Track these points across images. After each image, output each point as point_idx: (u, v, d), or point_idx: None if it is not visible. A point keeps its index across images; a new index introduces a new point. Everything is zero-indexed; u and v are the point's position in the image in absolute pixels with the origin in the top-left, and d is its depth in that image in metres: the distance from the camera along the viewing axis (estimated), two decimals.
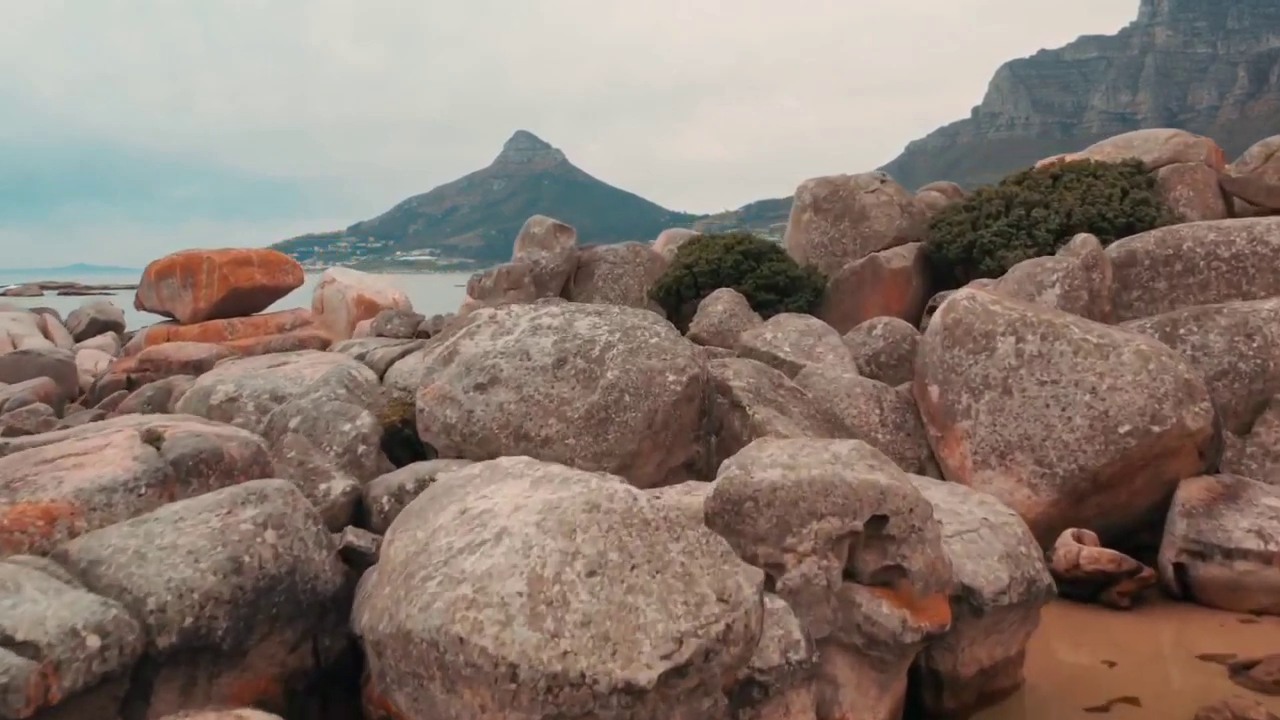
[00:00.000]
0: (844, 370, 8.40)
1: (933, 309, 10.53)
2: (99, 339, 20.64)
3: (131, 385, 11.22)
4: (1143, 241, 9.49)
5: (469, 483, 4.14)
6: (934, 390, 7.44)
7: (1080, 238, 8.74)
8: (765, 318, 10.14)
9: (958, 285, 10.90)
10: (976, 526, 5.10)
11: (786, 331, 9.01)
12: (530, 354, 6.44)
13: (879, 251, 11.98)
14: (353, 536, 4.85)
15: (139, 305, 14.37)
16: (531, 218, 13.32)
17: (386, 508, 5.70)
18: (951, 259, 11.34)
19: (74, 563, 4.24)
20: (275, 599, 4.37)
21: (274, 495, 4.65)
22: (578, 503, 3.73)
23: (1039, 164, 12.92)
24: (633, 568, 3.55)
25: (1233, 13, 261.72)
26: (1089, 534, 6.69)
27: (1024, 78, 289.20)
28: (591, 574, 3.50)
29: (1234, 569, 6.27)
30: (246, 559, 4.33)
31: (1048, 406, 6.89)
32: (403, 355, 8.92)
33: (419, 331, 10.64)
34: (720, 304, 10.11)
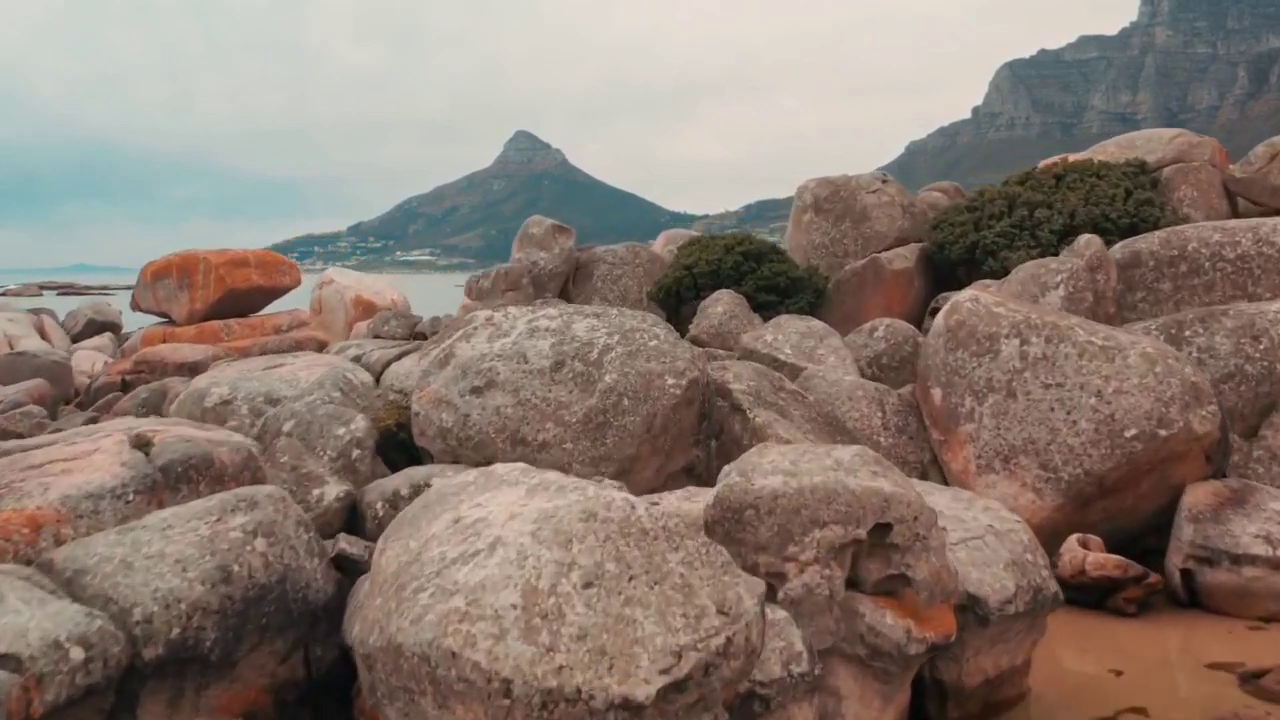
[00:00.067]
0: (845, 373, 8.31)
1: (935, 310, 10.43)
2: (96, 340, 20.55)
3: (126, 387, 11.12)
4: (1147, 242, 9.40)
5: (463, 490, 4.04)
6: (937, 393, 7.34)
7: (1084, 238, 8.65)
8: (766, 319, 10.04)
9: (960, 286, 10.80)
10: (981, 533, 5.01)
11: (787, 333, 8.91)
12: (527, 357, 6.34)
13: (880, 252, 11.87)
14: (345, 544, 4.75)
15: (135, 306, 14.27)
16: (530, 218, 13.22)
17: (381, 513, 5.61)
18: (954, 260, 11.24)
19: (59, 572, 4.15)
20: (265, 609, 4.28)
21: (264, 502, 4.56)
22: (574, 512, 3.63)
23: (1042, 164, 12.82)
24: (630, 579, 3.45)
25: (1233, 13, 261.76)
26: (1094, 539, 6.59)
27: (1024, 78, 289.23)
28: (588, 585, 3.40)
29: (1242, 575, 6.17)
30: (236, 568, 4.24)
31: (1052, 410, 6.79)
32: (399, 357, 8.83)
33: (416, 333, 10.54)
34: (720, 305, 10.01)
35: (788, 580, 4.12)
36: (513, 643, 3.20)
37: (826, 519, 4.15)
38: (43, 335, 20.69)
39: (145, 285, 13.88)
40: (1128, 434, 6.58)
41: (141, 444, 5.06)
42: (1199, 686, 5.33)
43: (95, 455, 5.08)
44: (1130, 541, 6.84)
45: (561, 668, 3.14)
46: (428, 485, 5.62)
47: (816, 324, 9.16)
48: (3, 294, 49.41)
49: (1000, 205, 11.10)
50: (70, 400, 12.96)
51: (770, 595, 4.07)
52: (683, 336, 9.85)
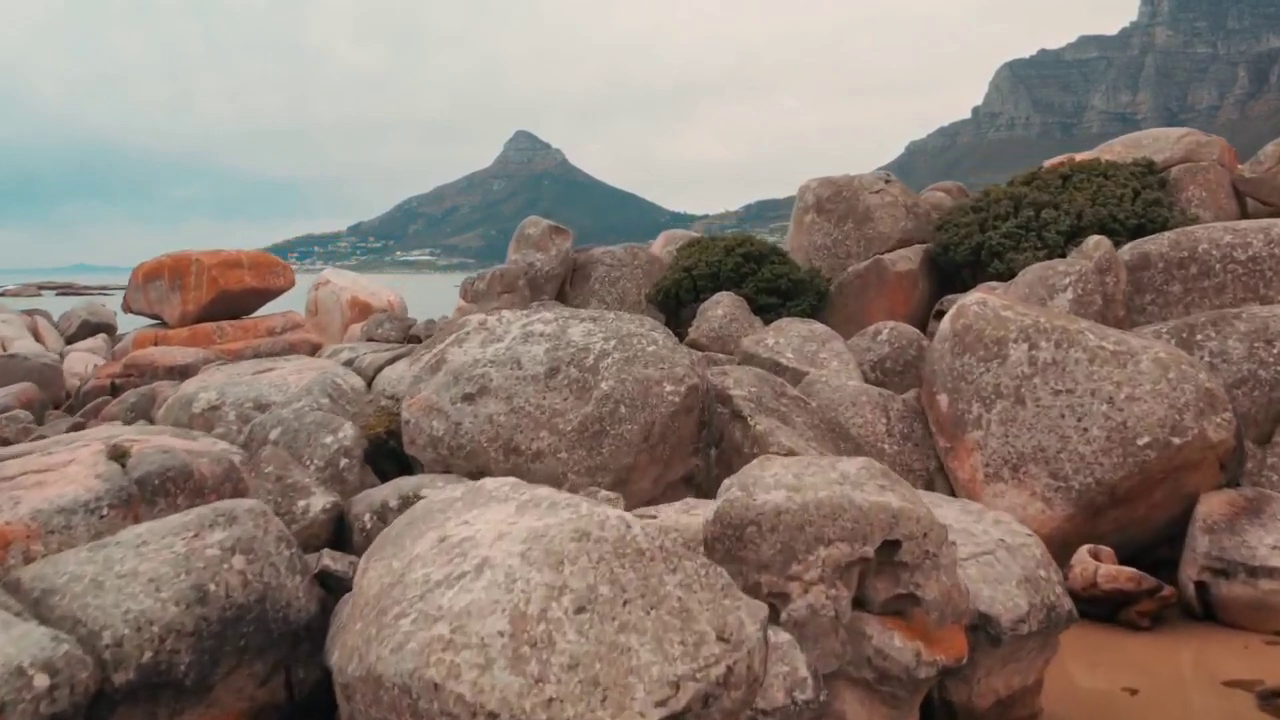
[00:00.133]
0: (849, 377, 8.11)
1: (939, 313, 10.24)
2: (90, 341, 20.34)
3: (116, 391, 10.92)
4: (1156, 244, 9.21)
5: (449, 507, 3.84)
6: (943, 399, 7.15)
7: (1093, 240, 8.45)
8: (767, 322, 9.85)
9: (965, 288, 10.62)
10: (993, 548, 4.81)
11: (789, 337, 8.72)
12: (521, 362, 6.15)
13: (884, 254, 11.67)
14: (329, 560, 4.55)
15: (126, 308, 14.08)
16: (526, 219, 13.01)
17: (368, 526, 5.41)
18: (959, 261, 11.04)
19: (26, 592, 3.95)
20: (243, 629, 4.08)
21: (244, 517, 4.36)
22: (566, 530, 3.44)
23: (1047, 163, 12.61)
24: (625, 603, 3.26)
25: (1233, 13, 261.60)
26: (1106, 550, 6.40)
27: (1024, 78, 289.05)
28: (580, 610, 3.20)
29: (1258, 588, 5.99)
30: (212, 587, 4.04)
31: (1063, 417, 6.60)
32: (392, 361, 8.63)
33: (410, 336, 10.33)
34: (720, 308, 9.81)
35: (791, 601, 3.92)
36: (499, 673, 3.01)
37: (832, 536, 3.95)
38: (36, 337, 20.50)
39: (137, 286, 13.68)
40: (1140, 442, 6.38)
41: (118, 455, 4.87)
42: (1216, 705, 5.15)
43: (70, 466, 4.89)
44: (1142, 552, 6.66)
45: (551, 700, 2.95)
46: (417, 497, 5.43)
47: (819, 327, 8.96)
48: (1, 294, 49.22)
49: (1006, 206, 10.90)
50: (61, 404, 12.76)
51: (773, 617, 3.87)
52: (682, 340, 9.67)
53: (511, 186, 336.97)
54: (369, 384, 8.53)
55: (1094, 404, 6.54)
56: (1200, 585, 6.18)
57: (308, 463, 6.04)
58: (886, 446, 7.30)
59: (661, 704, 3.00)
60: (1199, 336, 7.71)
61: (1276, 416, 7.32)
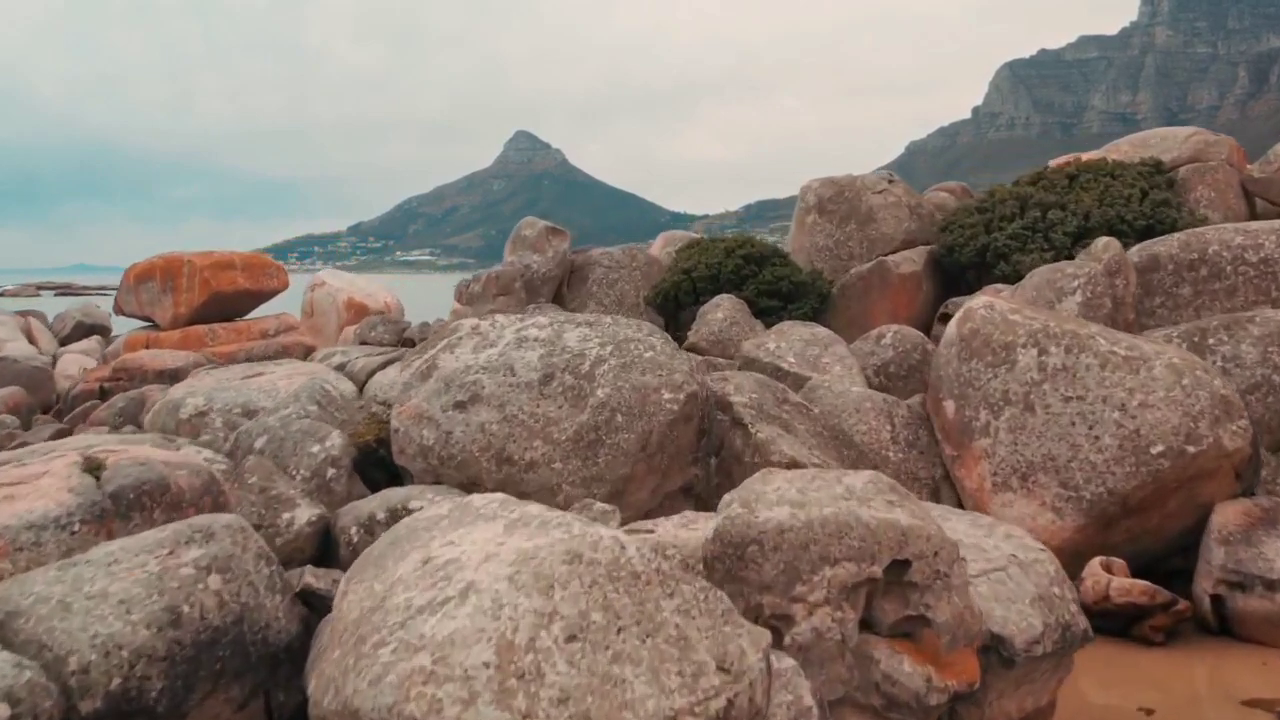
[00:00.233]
0: (852, 383, 7.91)
1: (944, 316, 10.04)
2: (83, 343, 20.10)
3: (105, 395, 10.73)
4: (1166, 245, 9.02)
5: (435, 525, 3.65)
6: (949, 406, 6.94)
7: (1102, 241, 8.25)
8: (768, 325, 9.64)
9: (970, 291, 10.42)
10: (1004, 564, 4.61)
11: (791, 341, 8.51)
12: (515, 369, 5.94)
13: (887, 255, 11.45)
14: (311, 578, 4.36)
15: (118, 310, 13.89)
16: (523, 219, 12.80)
17: (355, 539, 5.22)
18: (964, 263, 10.83)
19: None
20: (219, 652, 3.88)
21: (221, 533, 4.16)
22: (557, 552, 3.24)
23: (1053, 163, 12.40)
24: (619, 631, 3.06)
25: (1233, 12, 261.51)
26: (1118, 562, 6.20)
27: (1024, 78, 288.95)
28: (571, 639, 3.01)
29: (1276, 601, 5.80)
30: (186, 609, 3.84)
31: (1073, 424, 6.40)
32: (384, 365, 8.43)
33: (404, 339, 10.13)
34: (720, 311, 9.60)
35: (795, 624, 3.72)
36: (484, 708, 2.81)
37: (838, 555, 3.75)
38: (30, 339, 20.27)
39: (128, 288, 13.48)
40: (1154, 450, 6.19)
41: (93, 467, 4.67)
42: None
43: (44, 479, 4.69)
44: (1154, 563, 6.47)
45: None
46: (406, 509, 5.25)
47: (821, 331, 8.76)
48: (0, 294, 48.99)
49: (1012, 206, 10.69)
50: (51, 408, 12.56)
51: (776, 640, 3.68)
52: (681, 343, 9.47)
53: (511, 186, 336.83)
54: (361, 389, 8.33)
55: (1106, 411, 6.34)
56: (1216, 599, 5.99)
57: (294, 473, 5.84)
58: (891, 454, 7.10)
59: None
60: (1211, 341, 7.51)
61: None
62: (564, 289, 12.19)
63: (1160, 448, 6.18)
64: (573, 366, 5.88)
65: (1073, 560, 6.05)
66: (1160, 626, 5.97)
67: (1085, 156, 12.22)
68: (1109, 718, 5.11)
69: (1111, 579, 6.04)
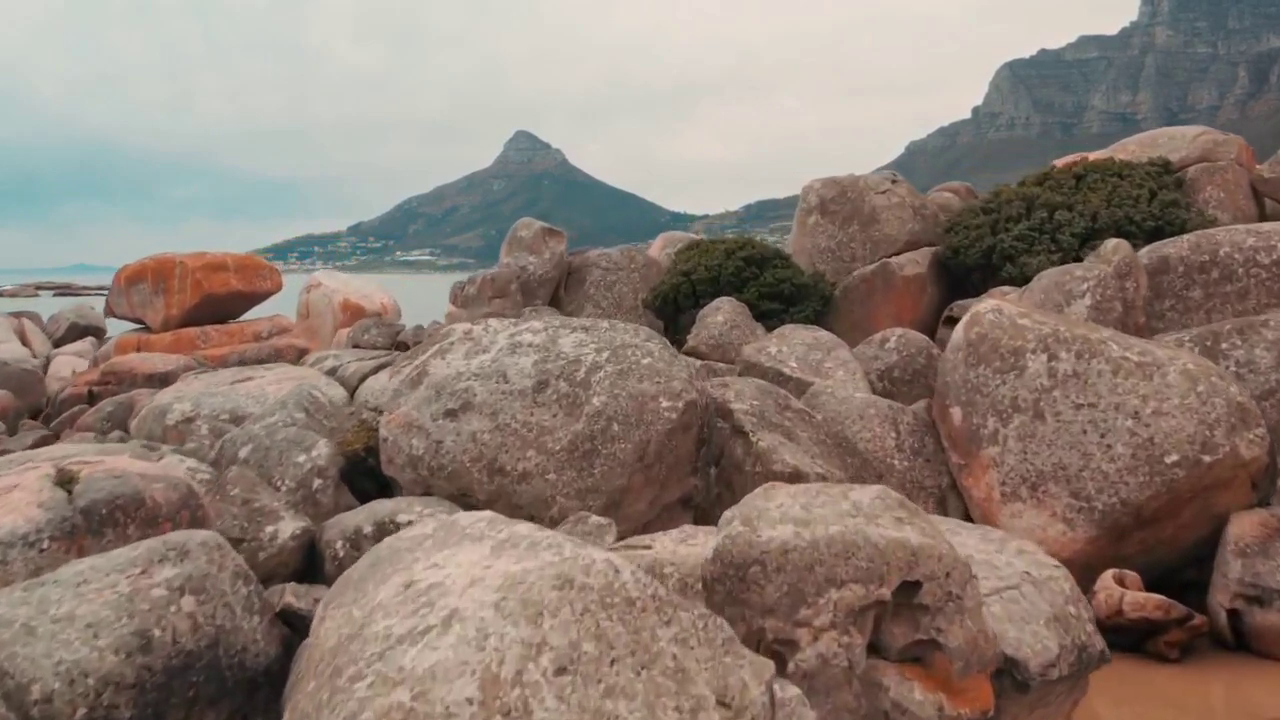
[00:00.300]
0: (855, 388, 7.71)
1: (949, 319, 9.84)
2: (77, 344, 19.88)
3: (93, 399, 10.53)
4: (1176, 247, 8.82)
5: (419, 546, 3.45)
6: (956, 413, 6.74)
7: (1112, 243, 8.05)
8: (769, 329, 9.44)
9: (975, 293, 10.22)
10: (1017, 582, 4.41)
11: (792, 345, 8.31)
12: (508, 376, 5.74)
13: (890, 257, 11.24)
14: (291, 597, 4.16)
15: (109, 312, 13.69)
16: (519, 220, 12.59)
17: (341, 554, 5.02)
18: (969, 265, 10.62)
19: None
20: (192, 678, 3.68)
21: (196, 551, 3.96)
22: (546, 577, 3.04)
23: (1059, 162, 12.19)
24: (613, 662, 2.87)
25: (1233, 12, 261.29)
26: (1131, 575, 6.00)
27: (1024, 78, 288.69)
28: (561, 672, 2.81)
29: None
30: (157, 633, 3.64)
31: (1085, 433, 6.20)
32: (376, 370, 8.24)
33: (398, 343, 9.93)
34: (720, 314, 9.39)
35: (800, 649, 3.52)
36: None
37: (844, 577, 3.55)
38: (23, 340, 20.05)
39: (119, 290, 13.28)
40: (1168, 460, 5.99)
41: (65, 480, 4.48)
42: None
43: (14, 493, 4.49)
44: (1168, 575, 6.27)
45: None
46: (393, 523, 5.05)
47: (824, 335, 8.56)
48: None
49: (1018, 207, 10.47)
50: (40, 412, 12.36)
51: (779, 666, 3.48)
52: (680, 347, 9.26)
53: (511, 186, 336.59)
54: (352, 394, 8.14)
55: (1118, 419, 6.14)
56: (1233, 613, 5.80)
57: (279, 483, 5.64)
58: (896, 462, 6.90)
59: None
60: (1224, 345, 7.32)
61: None
62: (561, 291, 11.98)
63: (1175, 457, 5.98)
64: (568, 373, 5.68)
65: (1084, 573, 5.85)
66: (1175, 642, 5.78)
67: (1092, 156, 12.02)
68: None
69: (1125, 593, 5.84)
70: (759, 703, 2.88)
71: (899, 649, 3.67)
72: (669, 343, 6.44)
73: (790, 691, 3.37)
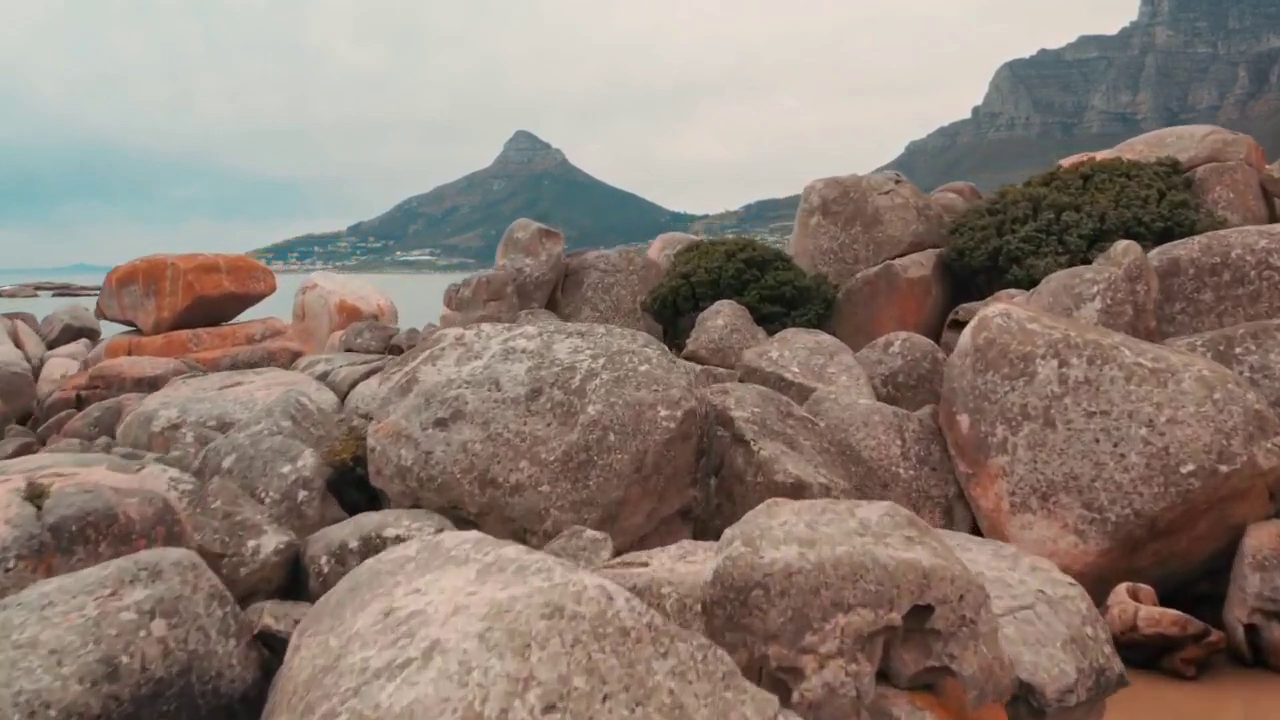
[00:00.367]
0: (859, 394, 7.51)
1: (954, 322, 9.64)
2: (71, 346, 19.64)
3: (81, 404, 10.33)
4: (1186, 248, 8.62)
5: (400, 569, 3.25)
6: (964, 420, 6.55)
7: (1122, 245, 7.85)
8: (770, 332, 9.24)
9: (981, 296, 10.03)
10: (1031, 602, 4.20)
11: (794, 349, 8.11)
12: (500, 383, 5.54)
13: (894, 259, 11.03)
14: (270, 618, 3.97)
15: (100, 314, 13.49)
16: (516, 221, 12.38)
17: (325, 570, 4.82)
18: (974, 267, 10.41)
19: None
20: (163, 707, 3.47)
21: (169, 571, 3.75)
22: (535, 605, 2.84)
23: (1065, 162, 11.98)
24: (605, 698, 2.67)
25: (1233, 12, 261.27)
26: (1145, 589, 5.81)
27: (1024, 78, 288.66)
28: (549, 709, 2.61)
29: None
30: (125, 659, 3.44)
31: (1097, 441, 6.00)
32: (368, 375, 8.04)
33: (391, 346, 9.73)
34: (721, 318, 9.19)
35: (805, 678, 3.32)
36: None
37: (852, 601, 3.35)
38: (17, 342, 19.82)
39: (111, 292, 13.08)
40: (1184, 470, 5.80)
41: (35, 495, 4.27)
42: None
43: None
44: (1181, 587, 6.09)
45: None
46: (380, 537, 4.85)
47: (826, 339, 8.35)
48: None
49: (1024, 208, 10.27)
50: (30, 416, 12.15)
51: (782, 696, 3.28)
52: (680, 351, 9.06)
53: (511, 186, 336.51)
54: (343, 400, 7.95)
55: (1132, 427, 5.95)
56: (1250, 628, 5.62)
57: (263, 495, 5.45)
58: (902, 471, 6.70)
59: None
60: (1238, 350, 7.12)
61: None
62: (558, 294, 11.77)
63: (1190, 467, 5.79)
64: (562, 381, 5.48)
65: (1096, 586, 5.66)
66: (1191, 659, 5.59)
67: (1099, 156, 11.81)
68: None
69: (1139, 607, 5.65)
70: None
71: (910, 676, 3.47)
72: (667, 348, 6.25)
73: None
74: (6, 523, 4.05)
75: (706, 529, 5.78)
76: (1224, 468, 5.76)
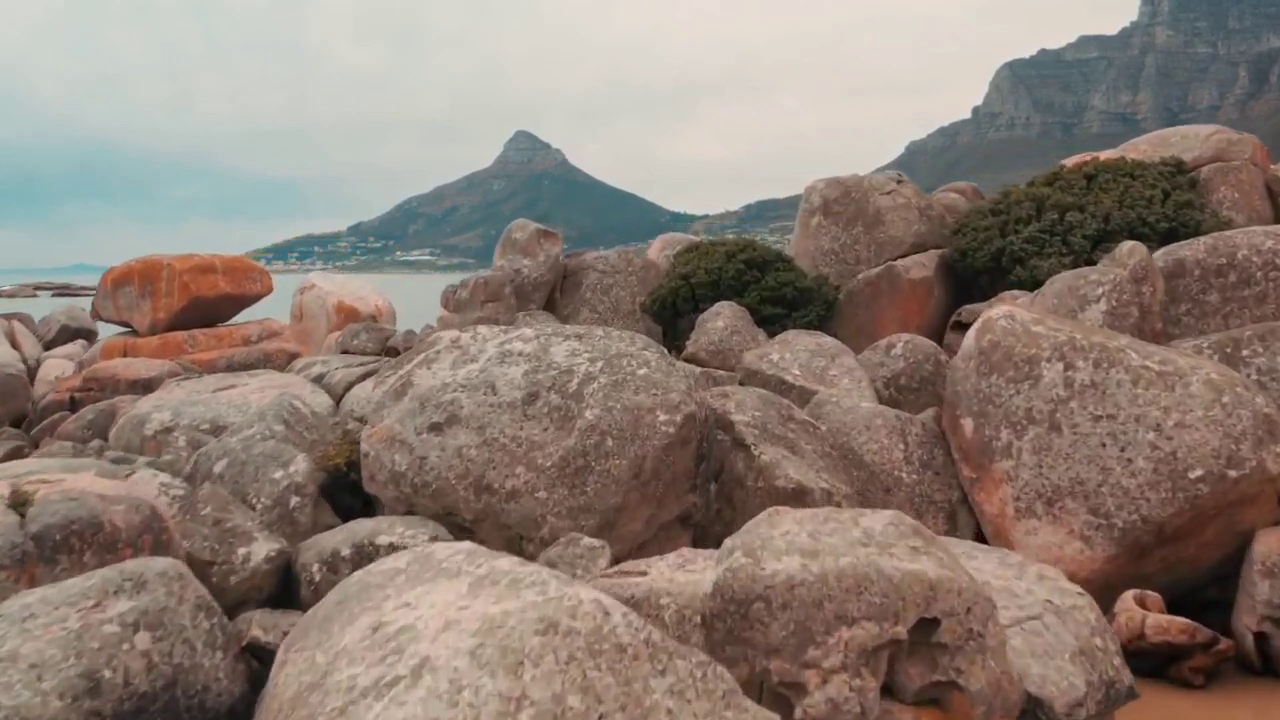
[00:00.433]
0: (861, 397, 7.41)
1: (957, 324, 9.54)
2: (68, 347, 19.52)
3: (75, 406, 10.22)
4: (1192, 249, 8.52)
5: (390, 582, 3.15)
6: (968, 424, 6.44)
7: (1127, 246, 7.76)
8: (771, 334, 9.14)
9: (984, 297, 9.93)
10: (1039, 612, 4.11)
11: (795, 351, 8.01)
12: (496, 387, 5.44)
13: (896, 259, 10.92)
14: (259, 630, 3.87)
15: (95, 316, 13.39)
16: (514, 222, 12.27)
17: (317, 578, 4.72)
18: (977, 268, 10.29)
19: None
20: None
21: (154, 582, 3.66)
22: (528, 621, 2.75)
23: (1068, 162, 11.87)
24: (600, 718, 2.57)
25: (1233, 12, 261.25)
26: (1153, 596, 5.71)
27: (1024, 78, 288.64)
28: None
29: None
30: (107, 674, 3.35)
31: (1104, 446, 5.90)
32: (363, 378, 7.94)
33: (388, 348, 9.63)
34: (721, 319, 9.08)
35: (807, 693, 3.22)
36: None
37: (856, 614, 3.26)
38: (13, 343, 19.70)
39: (106, 293, 12.98)
40: (1192, 475, 5.69)
41: (18, 502, 4.18)
42: None
43: None
44: (1189, 593, 5.98)
45: None
46: (372, 544, 4.76)
47: (828, 341, 8.25)
48: None
49: (1027, 208, 10.15)
50: (25, 418, 12.04)
51: (785, 712, 3.18)
52: (679, 353, 8.95)
53: (511, 186, 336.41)
54: (338, 403, 7.85)
55: (1139, 431, 5.84)
56: (1260, 636, 5.51)
57: (254, 501, 5.35)
58: (904, 475, 6.60)
59: None
60: (1245, 352, 7.01)
61: None
62: (556, 295, 11.66)
63: (1199, 472, 5.69)
64: (559, 384, 5.38)
65: (1102, 593, 5.57)
66: (1200, 668, 5.48)
67: (1103, 155, 11.70)
68: None
69: (1147, 615, 5.54)
70: None
71: (915, 691, 3.38)
72: (666, 351, 6.15)
73: None
74: None
75: (706, 535, 5.68)
76: (1233, 473, 5.66)
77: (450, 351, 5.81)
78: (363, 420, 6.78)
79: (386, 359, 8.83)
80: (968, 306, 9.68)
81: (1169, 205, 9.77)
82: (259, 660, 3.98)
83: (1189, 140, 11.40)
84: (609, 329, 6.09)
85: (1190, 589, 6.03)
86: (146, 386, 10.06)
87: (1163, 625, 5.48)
